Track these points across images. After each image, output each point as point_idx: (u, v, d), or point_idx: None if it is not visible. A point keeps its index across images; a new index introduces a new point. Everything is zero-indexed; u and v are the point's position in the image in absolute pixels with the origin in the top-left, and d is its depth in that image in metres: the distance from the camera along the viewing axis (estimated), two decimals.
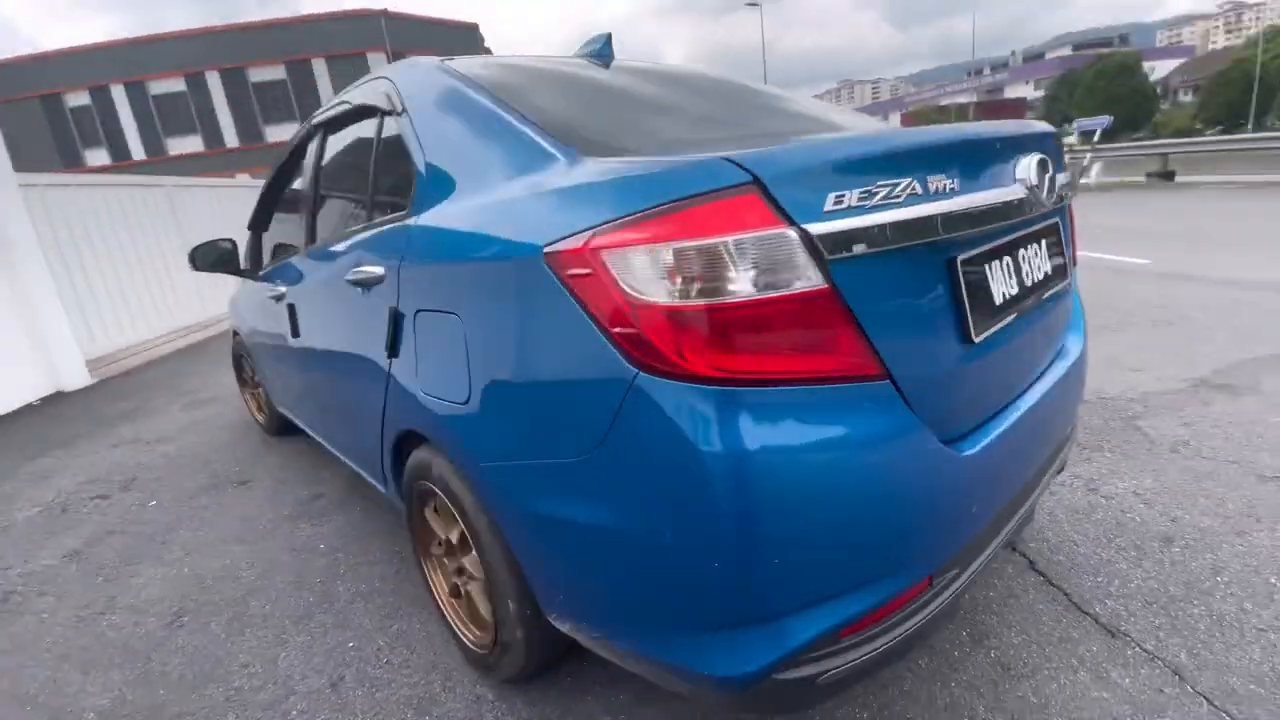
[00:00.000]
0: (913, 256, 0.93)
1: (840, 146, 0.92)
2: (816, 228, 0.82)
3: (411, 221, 1.35)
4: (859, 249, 0.85)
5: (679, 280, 0.82)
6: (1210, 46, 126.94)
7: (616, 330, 0.87)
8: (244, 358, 3.50)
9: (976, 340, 1.02)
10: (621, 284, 0.85)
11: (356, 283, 1.55)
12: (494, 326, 1.09)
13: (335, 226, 1.91)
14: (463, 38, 27.66)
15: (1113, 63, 44.53)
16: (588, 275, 0.88)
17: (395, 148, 1.52)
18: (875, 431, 0.88)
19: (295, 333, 2.16)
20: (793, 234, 0.81)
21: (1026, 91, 75.34)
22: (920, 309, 0.96)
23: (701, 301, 0.82)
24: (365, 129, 1.72)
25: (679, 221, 0.82)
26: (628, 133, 1.23)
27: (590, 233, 0.89)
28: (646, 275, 0.84)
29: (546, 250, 0.95)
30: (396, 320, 1.40)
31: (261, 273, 2.67)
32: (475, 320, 1.13)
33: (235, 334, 3.51)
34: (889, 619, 0.97)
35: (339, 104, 1.86)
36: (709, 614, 0.91)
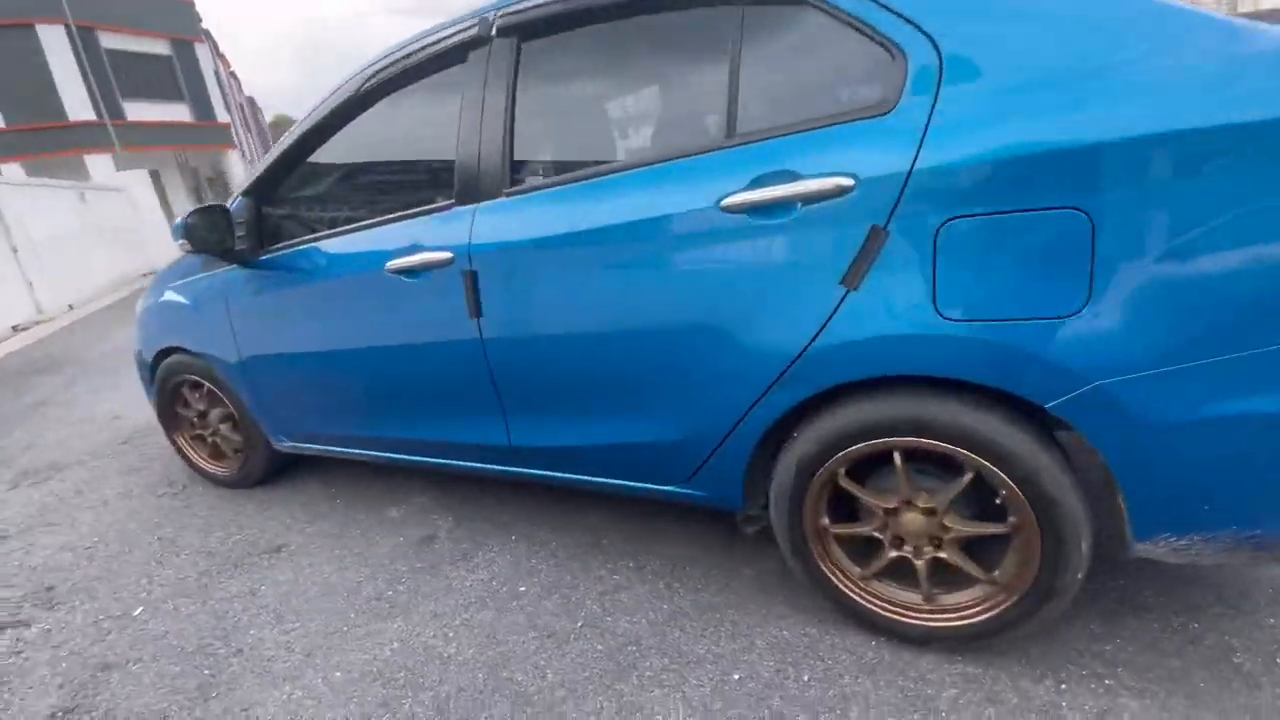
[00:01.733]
0: None
1: None
2: None
3: (917, 116, 1.09)
4: None
5: None
6: None
7: None
8: (189, 387, 2.46)
9: None
10: None
11: (757, 206, 1.20)
12: (1188, 207, 0.95)
13: (603, 151, 1.46)
14: (175, 13, 22.73)
15: None
16: None
17: (802, 34, 1.23)
18: None
19: (477, 311, 1.58)
20: None
21: None
22: None
23: None
24: (685, 21, 1.34)
25: None
26: None
27: None
28: None
29: None
30: (879, 240, 1.12)
31: (305, 247, 1.90)
32: (1131, 208, 0.97)
33: (163, 354, 2.44)
34: None
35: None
36: None
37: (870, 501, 1.32)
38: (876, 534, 1.34)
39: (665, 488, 1.57)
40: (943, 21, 1.11)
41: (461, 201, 1.60)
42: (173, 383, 2.47)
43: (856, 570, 1.40)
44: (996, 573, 1.26)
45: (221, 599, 1.84)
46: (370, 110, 1.81)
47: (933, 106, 1.09)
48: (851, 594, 1.40)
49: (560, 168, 1.50)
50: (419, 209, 1.69)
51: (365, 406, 1.96)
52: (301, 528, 2.19)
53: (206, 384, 2.38)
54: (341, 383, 1.96)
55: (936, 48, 1.11)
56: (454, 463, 1.92)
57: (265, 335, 2.07)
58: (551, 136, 1.60)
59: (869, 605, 1.38)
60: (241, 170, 26.51)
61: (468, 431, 1.79)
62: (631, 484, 1.63)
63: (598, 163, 1.45)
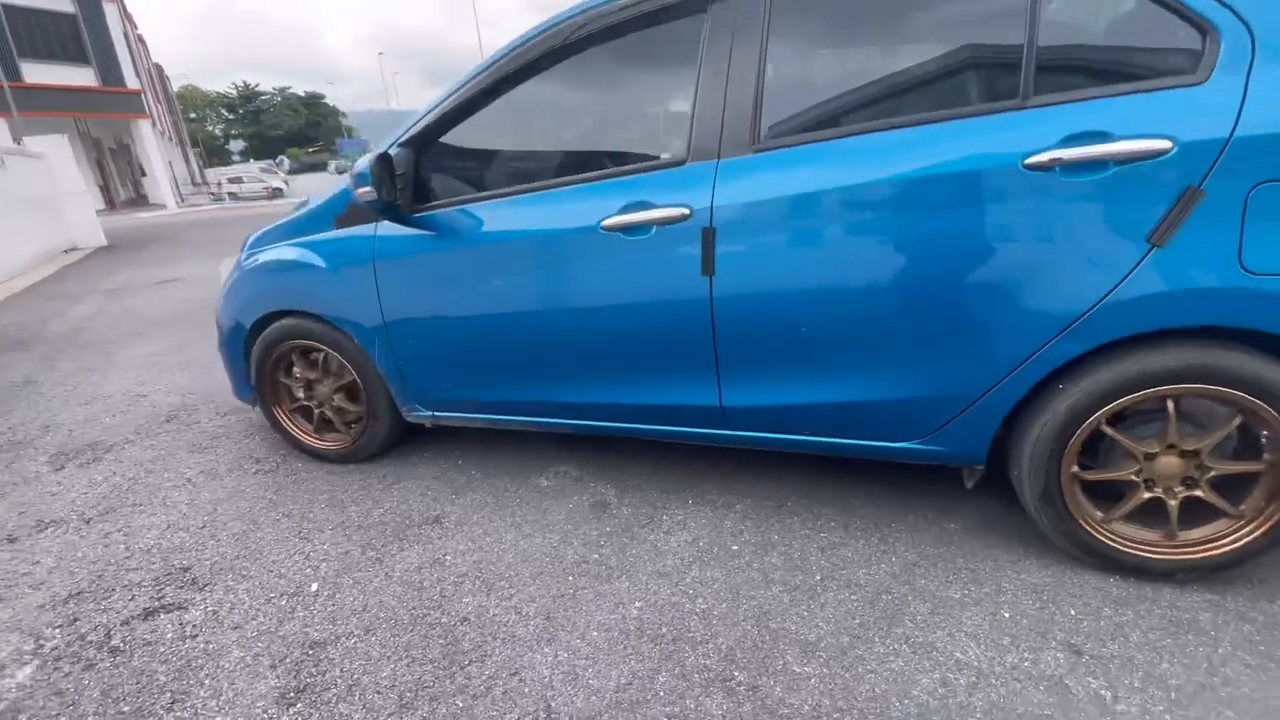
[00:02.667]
0: None
1: None
2: None
3: (1232, 88, 1.17)
4: None
5: None
6: None
7: None
8: (299, 353, 2.28)
9: None
10: None
11: (1067, 164, 1.27)
12: None
13: (869, 107, 1.48)
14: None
15: None
16: None
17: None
18: None
19: (710, 268, 1.57)
20: None
21: None
22: None
23: None
24: None
25: None
26: None
27: None
28: None
29: None
30: (1193, 199, 1.22)
31: (486, 203, 1.81)
32: None
33: (265, 321, 2.25)
34: None
35: None
36: None
37: (1133, 447, 1.42)
38: (1133, 478, 1.45)
39: (898, 444, 1.62)
40: (1253, 6, 1.22)
41: (698, 157, 1.58)
42: (280, 350, 2.29)
43: (1098, 514, 1.51)
44: (1243, 507, 1.40)
45: (405, 570, 1.74)
46: (572, 60, 1.75)
47: (1247, 80, 1.20)
48: (1097, 536, 1.50)
49: (820, 122, 1.51)
50: (642, 165, 1.66)
51: (552, 370, 1.89)
52: (450, 499, 2.09)
53: (325, 350, 2.23)
54: (528, 345, 1.88)
55: (1249, 29, 1.21)
56: (637, 427, 1.89)
57: (426, 297, 1.96)
58: (810, 90, 1.59)
59: (1115, 545, 1.49)
60: (154, 140, 24.30)
61: (672, 393, 1.78)
62: (857, 442, 1.67)
63: (864, 118, 1.48)
